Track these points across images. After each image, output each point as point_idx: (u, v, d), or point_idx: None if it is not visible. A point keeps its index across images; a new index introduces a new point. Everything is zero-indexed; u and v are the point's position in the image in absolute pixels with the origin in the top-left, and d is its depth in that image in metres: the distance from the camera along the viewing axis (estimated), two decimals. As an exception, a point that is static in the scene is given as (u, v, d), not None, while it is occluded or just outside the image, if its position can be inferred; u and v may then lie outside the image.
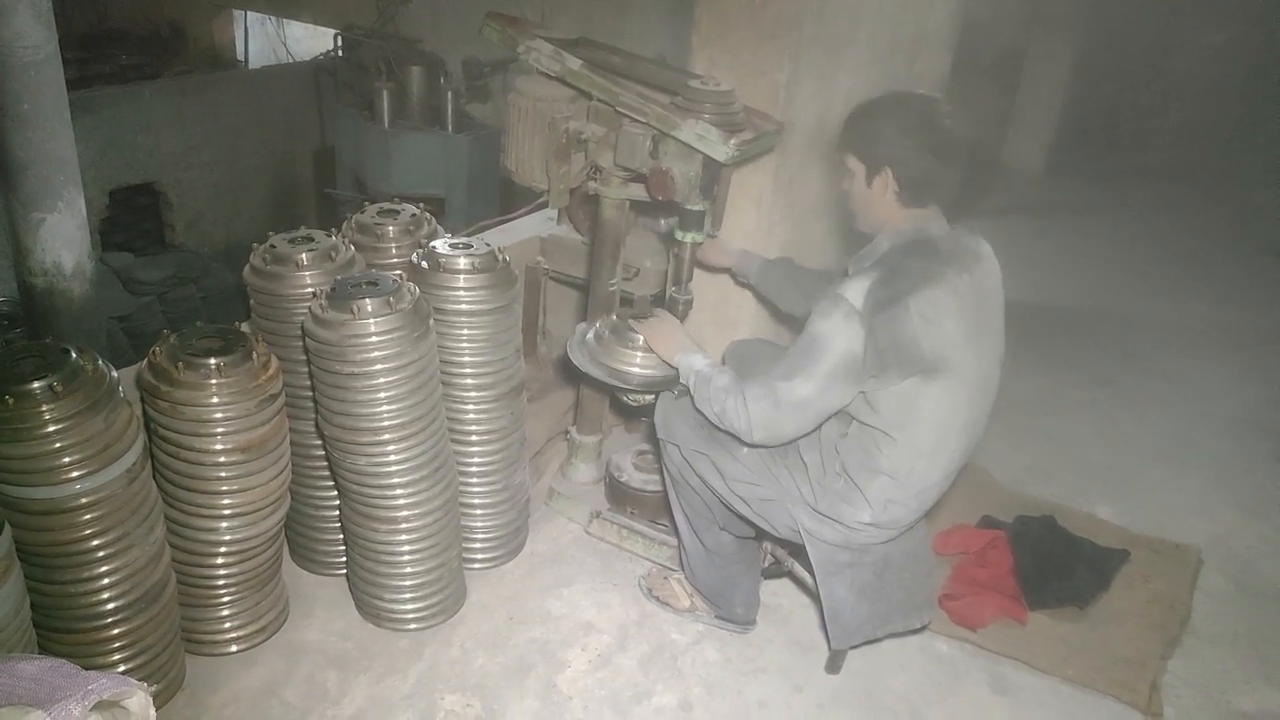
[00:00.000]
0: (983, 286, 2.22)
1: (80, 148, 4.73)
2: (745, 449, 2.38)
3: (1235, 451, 3.86)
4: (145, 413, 2.19)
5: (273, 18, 10.34)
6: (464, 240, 2.65)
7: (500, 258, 2.60)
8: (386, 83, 7.70)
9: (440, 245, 2.60)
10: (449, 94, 7.64)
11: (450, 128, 7.68)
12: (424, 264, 2.55)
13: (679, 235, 2.64)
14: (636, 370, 2.58)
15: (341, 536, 2.62)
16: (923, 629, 2.62)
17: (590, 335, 2.68)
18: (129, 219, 8.64)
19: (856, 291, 2.09)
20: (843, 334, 2.09)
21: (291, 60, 10.19)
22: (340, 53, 9.08)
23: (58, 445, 1.91)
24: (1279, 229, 6.38)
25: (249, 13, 10.44)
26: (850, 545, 2.34)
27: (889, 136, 2.16)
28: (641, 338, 2.57)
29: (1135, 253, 6.12)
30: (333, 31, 9.09)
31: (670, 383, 2.51)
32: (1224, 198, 7.08)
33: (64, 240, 4.57)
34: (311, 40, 10.15)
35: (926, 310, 2.08)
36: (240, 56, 10.76)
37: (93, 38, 10.08)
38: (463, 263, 2.54)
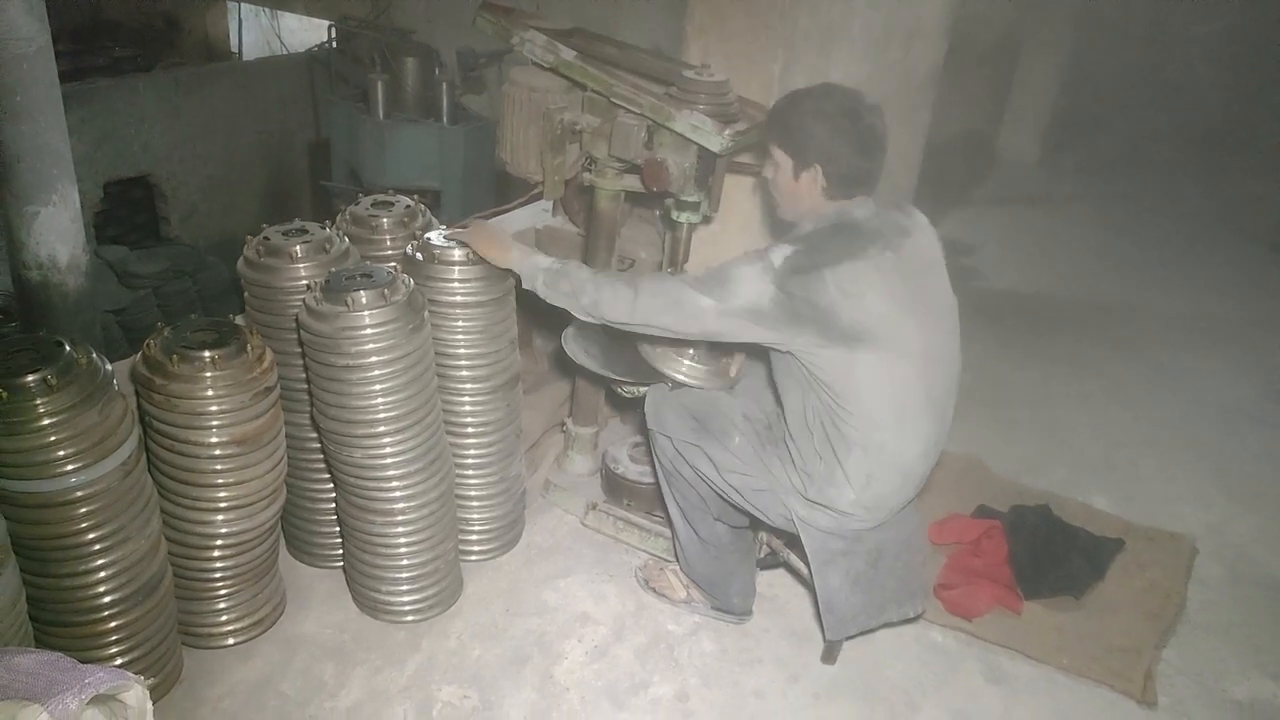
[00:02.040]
0: (914, 259, 2.24)
1: (74, 140, 4.71)
2: (737, 439, 2.39)
3: (1229, 441, 3.87)
4: (140, 406, 2.19)
5: (266, 10, 10.29)
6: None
7: None
8: (381, 74, 7.66)
9: (434, 236, 2.59)
10: (444, 85, 7.60)
11: (445, 119, 7.64)
12: (418, 255, 2.55)
13: (675, 216, 2.64)
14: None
15: (338, 529, 2.62)
16: (916, 618, 2.62)
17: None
18: (123, 212, 8.60)
19: (778, 253, 2.14)
20: (754, 284, 2.14)
21: (285, 52, 10.15)
22: (334, 44, 9.04)
23: (52, 439, 1.91)
24: (1271, 220, 6.39)
25: (243, 5, 10.39)
26: (843, 533, 2.35)
27: (819, 135, 2.18)
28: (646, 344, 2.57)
29: (1128, 243, 6.12)
30: (326, 23, 9.06)
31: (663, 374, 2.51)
32: (1217, 188, 7.08)
33: (58, 233, 4.55)
34: (305, 32, 10.11)
35: (844, 283, 2.10)
36: (234, 49, 10.72)
37: (86, 30, 10.02)
38: (457, 255, 2.54)
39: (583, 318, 2.36)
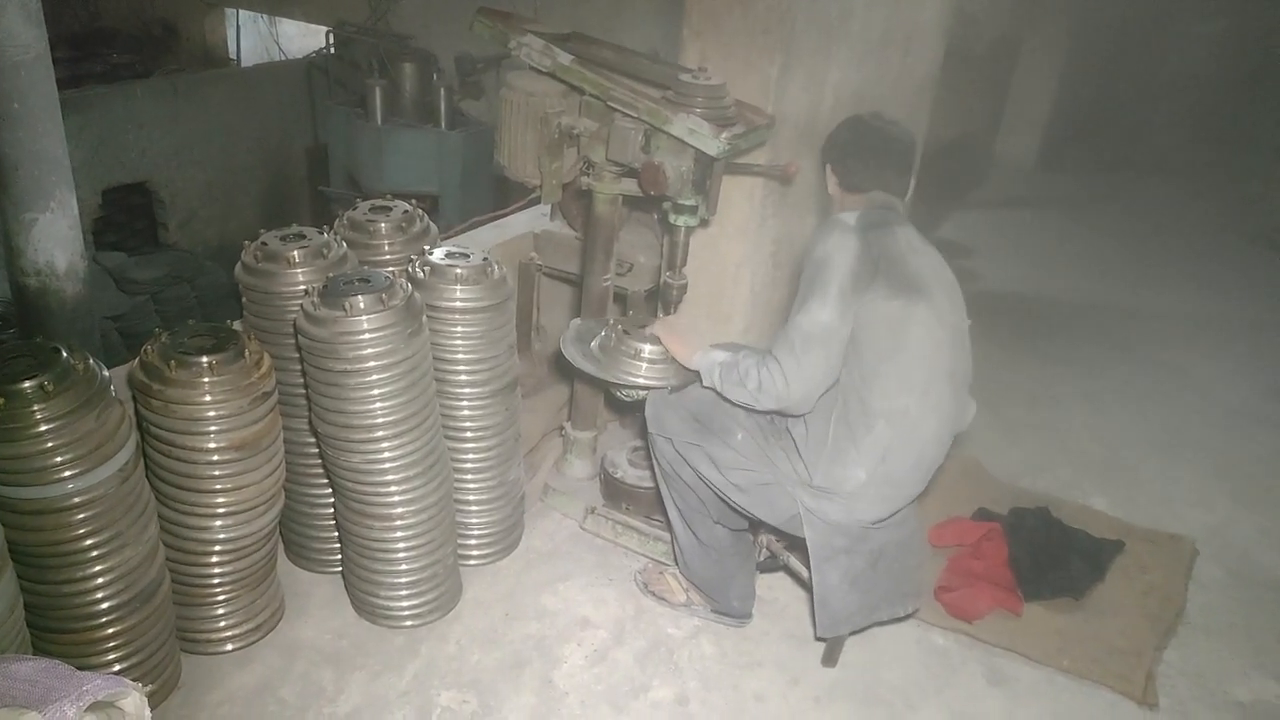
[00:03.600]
0: (940, 264, 2.40)
1: (72, 147, 4.71)
2: (740, 435, 2.39)
3: (1230, 442, 3.87)
4: (138, 411, 2.19)
5: (265, 16, 10.30)
6: (460, 249, 2.63)
7: (492, 270, 2.60)
8: (379, 80, 7.68)
9: (437, 255, 2.59)
10: (442, 90, 7.62)
11: (443, 124, 7.66)
12: (421, 272, 2.55)
13: (673, 219, 2.64)
14: (640, 379, 2.57)
15: (336, 534, 2.62)
16: (908, 617, 2.62)
17: (595, 345, 2.67)
18: (122, 218, 8.61)
19: (849, 216, 2.33)
20: (842, 249, 2.25)
21: (284, 58, 10.16)
22: (333, 50, 9.05)
23: (50, 445, 1.91)
24: (1271, 220, 6.39)
25: (241, 11, 10.40)
26: (849, 527, 2.34)
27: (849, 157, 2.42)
28: (645, 344, 2.57)
29: (1127, 245, 6.12)
30: (325, 29, 9.07)
31: (663, 383, 2.51)
32: (1216, 189, 7.09)
33: (56, 240, 4.55)
34: (304, 38, 10.12)
35: (912, 239, 2.33)
36: (232, 55, 10.72)
37: (84, 37, 10.02)
38: (459, 271, 2.54)
39: (760, 408, 2.35)
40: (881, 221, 2.30)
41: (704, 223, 2.73)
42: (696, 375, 2.47)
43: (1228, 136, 7.43)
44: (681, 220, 2.64)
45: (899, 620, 2.61)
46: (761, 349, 2.36)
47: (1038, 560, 2.92)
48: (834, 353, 2.25)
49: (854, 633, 2.54)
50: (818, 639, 2.55)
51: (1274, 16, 6.90)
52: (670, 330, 2.58)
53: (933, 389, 2.28)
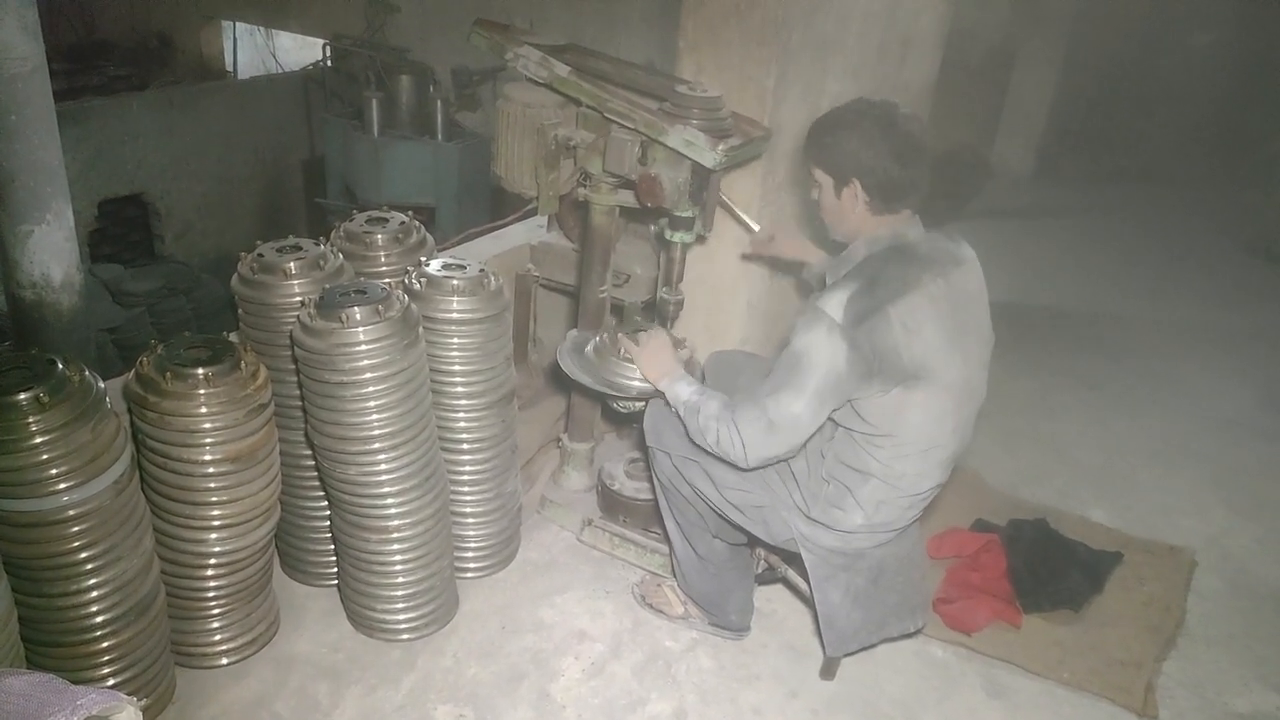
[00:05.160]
0: (962, 290, 2.22)
1: (68, 159, 4.72)
2: None
3: (1228, 452, 3.87)
4: (133, 423, 2.18)
5: (261, 29, 10.33)
6: (457, 261, 2.63)
7: (489, 281, 2.60)
8: (376, 92, 7.70)
9: (434, 267, 2.58)
10: (438, 103, 7.64)
11: (440, 136, 7.68)
12: (418, 284, 2.54)
13: (669, 236, 2.64)
14: (634, 383, 2.57)
15: (332, 547, 2.61)
16: (917, 633, 2.61)
17: (590, 349, 2.67)
18: (118, 230, 8.62)
19: (835, 304, 2.08)
20: (825, 349, 2.08)
21: (280, 71, 10.18)
22: (329, 63, 9.08)
23: (44, 457, 1.90)
24: (1266, 230, 6.41)
25: (237, 24, 10.43)
26: (846, 550, 2.34)
27: (852, 147, 2.15)
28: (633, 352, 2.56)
29: (1124, 255, 6.14)
30: (321, 42, 9.09)
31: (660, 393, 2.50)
32: (1211, 199, 7.11)
33: (52, 252, 4.56)
34: (300, 51, 10.15)
35: (907, 319, 2.08)
36: (229, 68, 10.75)
37: (81, 49, 10.05)
38: (456, 282, 2.53)
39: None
40: (874, 307, 2.06)
41: (701, 239, 2.73)
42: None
43: (1224, 146, 7.44)
44: (678, 237, 2.63)
45: (909, 636, 2.60)
46: (725, 399, 2.28)
47: (1036, 572, 2.92)
48: (800, 438, 2.18)
49: (863, 649, 2.52)
50: (826, 658, 2.53)
51: (1270, 27, 6.93)
52: (644, 348, 2.53)
53: (933, 452, 2.23)
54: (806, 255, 2.80)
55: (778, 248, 2.83)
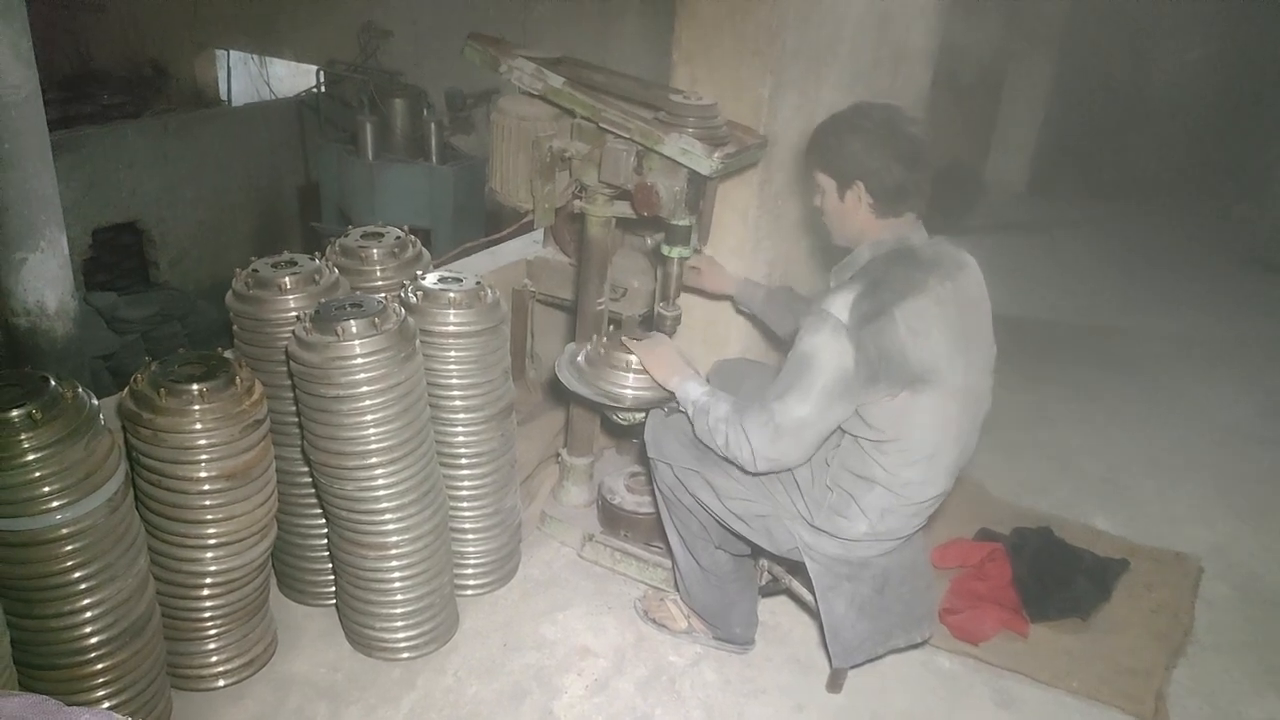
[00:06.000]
0: (966, 295, 2.21)
1: (62, 187, 4.72)
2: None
3: (1230, 461, 3.85)
4: (127, 441, 2.15)
5: (255, 56, 10.37)
6: (453, 274, 2.62)
7: (486, 293, 2.58)
8: (370, 116, 7.73)
9: (430, 280, 2.57)
10: (432, 126, 7.67)
11: (434, 159, 7.70)
12: (414, 297, 2.53)
13: (666, 251, 2.62)
14: (629, 391, 2.54)
15: (330, 565, 2.57)
16: (923, 644, 2.58)
17: (581, 357, 2.65)
18: (112, 258, 8.62)
19: (841, 305, 2.07)
20: (831, 350, 2.07)
21: (275, 98, 10.21)
22: (323, 88, 9.11)
23: (37, 474, 1.87)
24: (1260, 240, 6.43)
25: (231, 52, 10.47)
26: (850, 559, 2.32)
27: (855, 150, 2.15)
28: (634, 357, 2.53)
29: (1119, 267, 6.14)
30: (315, 68, 9.13)
31: (661, 400, 2.48)
32: (1205, 211, 7.13)
33: (47, 280, 4.55)
34: (294, 78, 10.19)
35: (913, 321, 2.07)
36: (223, 95, 10.78)
37: (75, 78, 10.09)
38: (452, 295, 2.52)
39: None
40: (880, 309, 2.05)
41: (697, 253, 2.72)
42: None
43: (1216, 160, 7.48)
44: (675, 252, 2.61)
45: (916, 647, 2.57)
46: (735, 401, 2.26)
47: (1042, 580, 2.89)
48: (809, 442, 2.16)
49: (870, 660, 2.49)
50: (833, 670, 2.50)
51: (1260, 42, 6.97)
52: (650, 349, 2.51)
53: (938, 458, 2.21)
54: (725, 288, 2.91)
55: (700, 280, 2.88)
